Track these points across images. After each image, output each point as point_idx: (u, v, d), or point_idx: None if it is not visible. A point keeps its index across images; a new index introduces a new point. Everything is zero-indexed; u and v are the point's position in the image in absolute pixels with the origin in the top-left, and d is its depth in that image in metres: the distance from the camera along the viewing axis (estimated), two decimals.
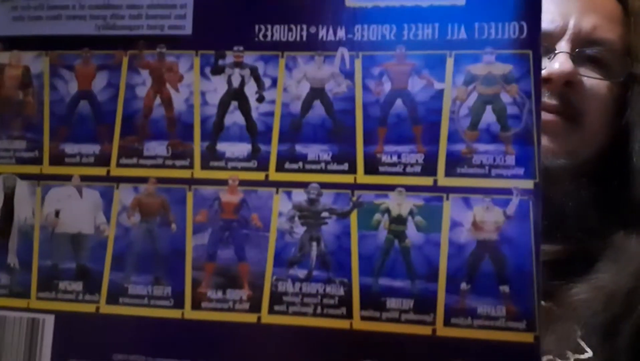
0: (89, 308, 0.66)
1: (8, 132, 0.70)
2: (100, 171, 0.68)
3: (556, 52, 0.91)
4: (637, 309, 0.82)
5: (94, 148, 0.68)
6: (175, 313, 0.65)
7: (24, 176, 0.69)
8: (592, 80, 0.93)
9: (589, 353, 0.81)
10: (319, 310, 0.63)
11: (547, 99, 0.90)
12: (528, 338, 0.58)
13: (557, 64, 0.89)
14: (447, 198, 0.62)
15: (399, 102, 0.64)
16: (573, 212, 0.88)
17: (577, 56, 0.92)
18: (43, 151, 0.69)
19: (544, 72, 0.86)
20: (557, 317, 0.83)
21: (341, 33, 0.66)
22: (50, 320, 0.66)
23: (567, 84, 0.91)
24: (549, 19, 0.92)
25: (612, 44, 0.94)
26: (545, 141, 0.89)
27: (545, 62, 0.91)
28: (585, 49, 0.93)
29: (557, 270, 0.83)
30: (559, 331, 0.83)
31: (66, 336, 0.66)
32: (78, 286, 0.66)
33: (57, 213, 0.68)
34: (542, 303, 0.59)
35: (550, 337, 0.81)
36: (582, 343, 0.82)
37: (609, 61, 0.94)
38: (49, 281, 0.67)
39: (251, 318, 0.63)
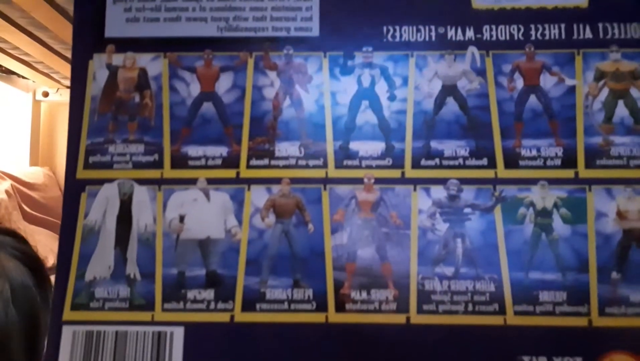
0: (223, 318, 0.59)
1: (123, 136, 0.63)
2: (229, 173, 0.62)
3: None
4: None
5: (221, 150, 0.62)
6: (318, 317, 0.58)
7: (142, 181, 0.62)
8: None
9: None
10: (470, 308, 0.58)
11: None
12: None
13: None
14: (590, 190, 0.60)
15: (532, 98, 0.62)
16: None
17: None
18: (164, 154, 0.63)
19: None
20: None
21: (470, 33, 0.64)
22: (179, 332, 0.58)
23: None
24: None
25: None
26: None
27: None
28: None
29: None
30: None
31: (198, 350, 0.58)
32: (209, 294, 0.59)
33: (181, 218, 0.61)
34: None
35: None
36: None
37: None
38: (175, 290, 0.60)
39: (400, 318, 0.58)
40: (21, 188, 2.59)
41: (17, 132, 2.96)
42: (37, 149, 3.03)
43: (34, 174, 2.78)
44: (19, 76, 2.77)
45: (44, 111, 3.10)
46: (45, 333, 0.44)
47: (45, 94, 2.99)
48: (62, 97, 2.97)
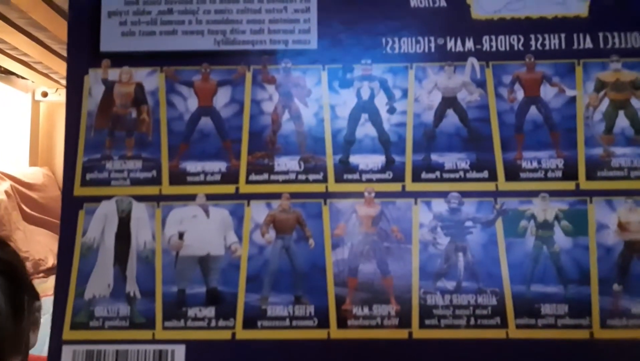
0: (224, 335, 0.57)
1: (121, 152, 0.61)
2: (229, 189, 0.60)
3: None
4: None
5: (220, 165, 0.60)
6: (320, 334, 0.57)
7: (140, 198, 0.60)
8: None
9: None
10: (472, 321, 0.57)
11: None
12: None
13: None
14: (591, 201, 0.58)
15: (533, 109, 0.60)
16: None
17: None
18: (162, 170, 0.61)
19: None
20: None
21: (469, 44, 0.62)
22: (180, 350, 0.57)
23: None
24: None
25: None
26: None
27: None
28: None
29: None
30: None
31: None
32: (210, 312, 0.58)
33: (181, 235, 0.59)
34: None
35: None
36: None
37: None
38: (176, 308, 0.58)
39: (402, 334, 0.57)
40: (21, 188, 2.56)
41: (17, 132, 2.92)
42: (36, 150, 2.99)
43: (34, 174, 2.74)
44: (18, 76, 2.73)
45: (43, 111, 3.06)
46: (12, 338, 0.41)
47: (44, 94, 2.94)
48: (61, 97, 2.92)
